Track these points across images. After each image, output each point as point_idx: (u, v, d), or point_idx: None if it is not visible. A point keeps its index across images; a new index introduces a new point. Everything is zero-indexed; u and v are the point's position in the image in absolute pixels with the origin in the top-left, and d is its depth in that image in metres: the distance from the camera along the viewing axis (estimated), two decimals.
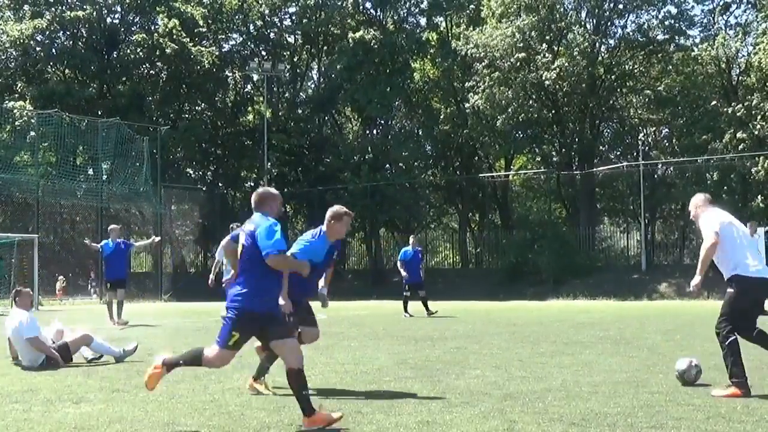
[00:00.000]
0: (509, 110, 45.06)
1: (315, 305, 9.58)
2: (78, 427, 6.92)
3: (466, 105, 48.16)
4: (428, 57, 54.07)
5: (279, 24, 57.48)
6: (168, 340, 15.65)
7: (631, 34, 47.53)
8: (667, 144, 50.91)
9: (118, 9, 53.40)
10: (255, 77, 57.03)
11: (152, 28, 52.79)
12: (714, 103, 44.04)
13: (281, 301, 7.97)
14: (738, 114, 40.73)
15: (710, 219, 8.95)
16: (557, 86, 45.06)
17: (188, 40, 50.36)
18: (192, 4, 52.70)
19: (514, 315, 24.32)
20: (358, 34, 49.79)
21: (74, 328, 12.13)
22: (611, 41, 48.55)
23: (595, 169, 47.84)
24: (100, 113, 47.52)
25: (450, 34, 52.83)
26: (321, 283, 9.62)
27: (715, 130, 42.50)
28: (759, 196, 41.49)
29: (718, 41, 42.92)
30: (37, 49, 50.55)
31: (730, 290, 8.85)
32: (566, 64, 44.03)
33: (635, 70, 47.85)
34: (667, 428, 6.68)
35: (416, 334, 16.58)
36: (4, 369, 10.98)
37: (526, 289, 41.53)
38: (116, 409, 7.78)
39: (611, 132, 52.95)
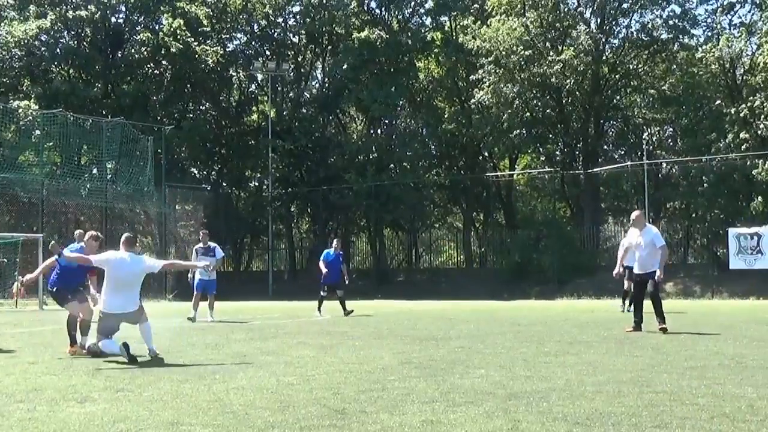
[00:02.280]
0: (514, 106, 45.12)
1: None
2: (82, 427, 6.93)
3: (472, 101, 48.17)
4: (432, 56, 54.07)
5: (283, 24, 57.51)
6: (172, 338, 15.66)
7: (635, 33, 47.52)
8: (671, 143, 50.86)
9: (123, 9, 53.46)
10: (259, 77, 57.12)
11: (156, 27, 52.82)
12: (718, 102, 44.01)
13: None
14: (742, 114, 40.71)
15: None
16: (561, 84, 45.06)
17: (192, 39, 50.40)
18: (196, 3, 52.72)
19: (518, 314, 24.32)
20: (362, 34, 49.82)
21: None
22: (615, 40, 48.55)
23: (599, 169, 47.79)
24: (104, 113, 47.62)
25: (454, 33, 52.85)
26: None
27: (719, 129, 42.46)
28: (760, 197, 41.43)
29: (722, 41, 42.83)
30: (42, 48, 50.62)
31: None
32: (571, 60, 44.07)
33: (639, 70, 47.85)
34: (671, 428, 6.67)
35: (420, 333, 16.59)
36: (9, 368, 11.00)
37: (531, 288, 41.57)
38: (120, 408, 7.79)
39: (615, 131, 52.93)
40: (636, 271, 16.41)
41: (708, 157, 42.82)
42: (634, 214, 16.85)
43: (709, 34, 46.59)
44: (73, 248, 21.47)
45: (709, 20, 47.14)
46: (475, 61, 47.40)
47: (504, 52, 45.02)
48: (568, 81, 45.04)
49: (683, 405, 7.67)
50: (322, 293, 24.49)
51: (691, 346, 13.39)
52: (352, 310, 24.09)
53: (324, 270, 24.33)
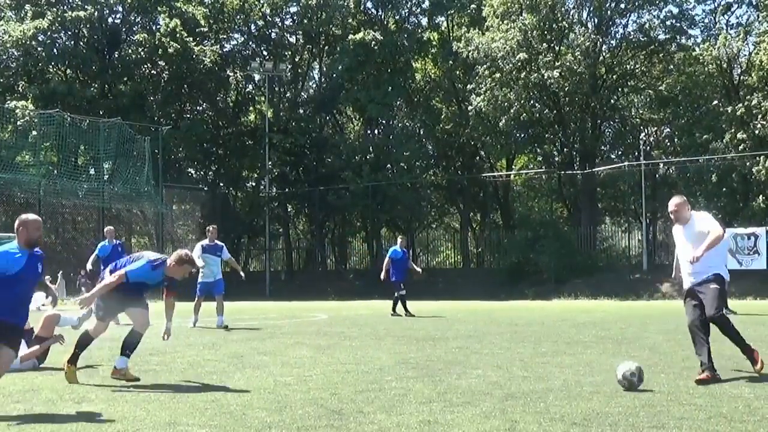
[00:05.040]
0: (511, 111, 45.06)
1: None
2: (80, 427, 6.92)
3: (469, 107, 48.16)
4: (429, 57, 54.07)
5: (280, 24, 57.49)
6: (170, 340, 15.61)
7: (632, 33, 47.59)
8: (668, 144, 50.92)
9: (120, 9, 53.39)
10: (256, 77, 57.09)
11: (154, 28, 52.78)
12: (715, 102, 44.09)
13: None
14: (739, 114, 40.76)
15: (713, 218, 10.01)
16: (559, 86, 45.06)
17: (190, 39, 50.36)
18: (193, 3, 52.71)
19: (515, 315, 24.31)
20: (359, 36, 49.75)
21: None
22: (612, 41, 48.58)
23: (596, 169, 47.82)
24: (101, 113, 47.55)
25: (451, 35, 52.85)
26: None
27: (716, 129, 42.54)
28: (760, 196, 41.48)
29: (719, 41, 42.93)
30: (39, 49, 50.53)
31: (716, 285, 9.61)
32: (568, 63, 44.08)
33: (637, 70, 47.90)
34: (668, 428, 6.67)
35: (417, 333, 16.58)
36: None
37: (528, 288, 41.57)
38: (117, 408, 7.78)
39: (613, 132, 52.93)
40: (687, 286, 10.03)
41: (705, 157, 42.87)
42: (674, 203, 10.38)
43: (707, 34, 46.76)
44: (104, 246, 21.18)
45: (706, 20, 47.34)
46: (472, 62, 47.34)
47: (500, 56, 44.98)
48: (565, 83, 45.01)
49: (680, 405, 7.67)
50: (401, 292, 23.84)
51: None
52: (414, 315, 23.47)
53: (389, 270, 24.13)
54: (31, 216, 8.33)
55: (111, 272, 9.96)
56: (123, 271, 9.80)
